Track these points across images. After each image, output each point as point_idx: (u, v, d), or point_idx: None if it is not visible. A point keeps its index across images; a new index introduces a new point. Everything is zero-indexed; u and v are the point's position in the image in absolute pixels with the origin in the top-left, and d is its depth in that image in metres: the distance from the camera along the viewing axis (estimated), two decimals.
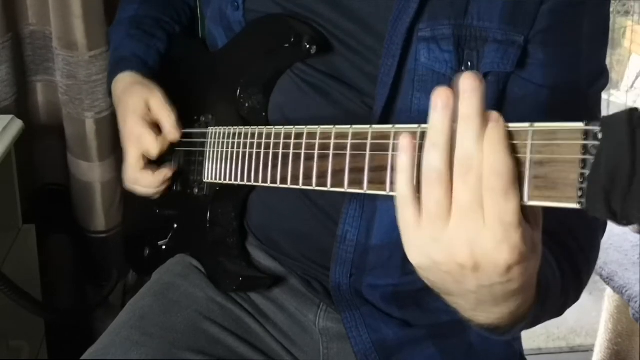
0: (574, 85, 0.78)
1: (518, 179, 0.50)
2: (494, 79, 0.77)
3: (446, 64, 0.76)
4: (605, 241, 0.82)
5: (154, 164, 0.94)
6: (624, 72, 2.12)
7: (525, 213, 0.51)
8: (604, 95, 0.84)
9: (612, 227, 0.83)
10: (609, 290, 1.61)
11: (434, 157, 0.51)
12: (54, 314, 1.34)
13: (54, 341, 1.41)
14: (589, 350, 1.89)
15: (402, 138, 0.53)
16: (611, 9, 0.83)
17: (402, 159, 0.53)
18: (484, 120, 0.50)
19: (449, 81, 0.77)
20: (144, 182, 0.93)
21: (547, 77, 0.78)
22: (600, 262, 1.48)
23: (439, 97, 0.51)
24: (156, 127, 0.92)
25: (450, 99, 0.51)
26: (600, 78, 0.81)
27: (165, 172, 0.93)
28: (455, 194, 0.51)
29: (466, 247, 0.51)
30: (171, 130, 0.91)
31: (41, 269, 1.36)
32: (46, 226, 1.40)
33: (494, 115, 0.50)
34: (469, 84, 0.50)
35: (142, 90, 0.94)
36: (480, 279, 0.53)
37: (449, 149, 0.51)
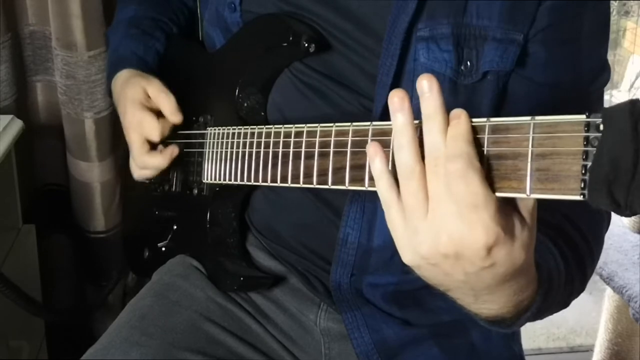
0: (575, 83, 0.79)
1: (518, 171, 0.51)
2: (493, 77, 0.77)
3: (445, 64, 0.76)
4: (605, 241, 0.82)
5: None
6: (624, 72, 2.12)
7: (510, 200, 0.53)
8: (604, 95, 0.84)
9: (612, 227, 0.83)
10: (609, 290, 1.61)
11: (403, 157, 0.55)
12: (52, 314, 1.34)
13: (54, 341, 1.41)
14: (589, 350, 1.89)
15: (369, 147, 0.57)
16: (611, 10, 0.83)
17: (376, 166, 0.56)
18: (446, 115, 0.53)
19: (449, 81, 0.77)
20: (152, 163, 0.92)
21: (548, 75, 0.78)
22: (600, 262, 1.48)
23: (396, 100, 0.55)
24: (156, 113, 0.92)
25: (404, 100, 0.54)
26: (601, 74, 0.81)
27: (172, 149, 0.92)
28: (428, 186, 0.54)
29: (445, 236, 0.53)
30: (172, 113, 0.91)
31: (41, 269, 1.36)
32: (46, 226, 1.40)
33: (456, 112, 0.53)
34: (425, 85, 0.53)
35: (140, 80, 0.94)
36: (465, 266, 0.54)
37: (415, 145, 0.54)
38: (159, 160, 0.92)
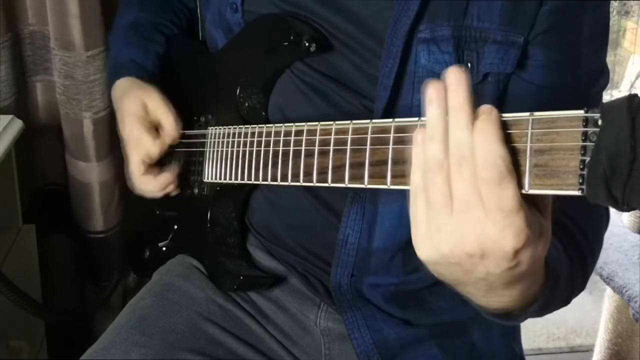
0: (574, 86, 0.79)
1: (517, 167, 0.50)
2: (493, 79, 0.77)
3: (446, 65, 0.76)
4: (605, 241, 0.82)
5: (156, 166, 0.94)
6: (624, 72, 2.13)
7: (531, 198, 0.52)
8: (604, 96, 0.84)
9: (612, 227, 0.84)
10: (609, 290, 1.61)
11: (433, 148, 0.53)
12: (52, 314, 1.34)
13: (54, 341, 1.40)
14: (589, 350, 1.89)
15: (417, 133, 0.54)
16: (611, 10, 0.83)
17: (418, 153, 0.54)
18: (474, 110, 0.52)
19: None
20: (147, 186, 0.93)
21: (548, 77, 0.78)
22: (600, 262, 1.48)
23: (432, 91, 0.53)
24: (155, 129, 0.92)
25: (442, 92, 0.53)
26: (600, 78, 0.81)
27: (166, 177, 0.93)
28: (453, 186, 0.52)
29: (472, 237, 0.52)
30: (170, 130, 0.91)
31: (41, 269, 1.36)
32: (46, 226, 1.40)
33: (487, 107, 0.52)
34: (454, 77, 0.52)
35: (139, 92, 0.93)
36: (489, 266, 0.53)
37: (446, 140, 0.52)
38: (153, 184, 0.93)
